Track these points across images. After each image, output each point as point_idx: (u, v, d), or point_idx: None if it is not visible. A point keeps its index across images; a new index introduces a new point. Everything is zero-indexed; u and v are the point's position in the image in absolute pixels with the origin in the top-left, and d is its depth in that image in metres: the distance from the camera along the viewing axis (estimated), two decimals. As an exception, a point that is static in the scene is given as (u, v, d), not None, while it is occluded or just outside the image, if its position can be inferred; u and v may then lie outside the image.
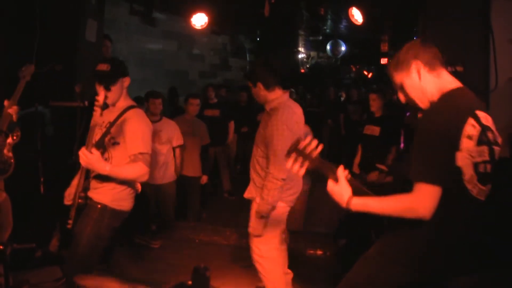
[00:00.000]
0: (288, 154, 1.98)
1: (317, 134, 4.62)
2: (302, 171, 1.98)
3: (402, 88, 2.03)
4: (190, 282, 3.06)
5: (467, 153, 1.81)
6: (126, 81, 2.83)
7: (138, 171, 2.70)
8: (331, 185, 1.97)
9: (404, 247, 1.95)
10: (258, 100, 3.18)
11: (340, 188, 1.95)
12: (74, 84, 3.78)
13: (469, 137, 1.81)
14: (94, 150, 2.53)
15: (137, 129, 2.73)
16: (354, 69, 14.12)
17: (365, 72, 13.87)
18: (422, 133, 1.85)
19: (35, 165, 3.71)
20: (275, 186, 2.91)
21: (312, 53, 13.53)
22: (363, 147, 4.94)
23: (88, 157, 2.52)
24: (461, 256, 1.95)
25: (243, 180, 3.51)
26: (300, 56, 13.49)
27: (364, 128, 4.95)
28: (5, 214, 3.29)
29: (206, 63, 9.48)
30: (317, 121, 8.02)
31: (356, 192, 1.93)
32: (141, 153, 2.69)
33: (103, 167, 2.58)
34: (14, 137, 3.24)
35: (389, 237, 2.03)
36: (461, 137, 1.80)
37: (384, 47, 10.33)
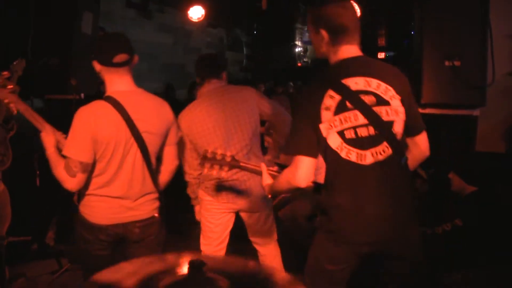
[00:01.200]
0: (201, 163, 2.29)
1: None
2: (224, 174, 2.36)
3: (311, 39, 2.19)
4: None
5: (327, 123, 1.93)
6: (96, 66, 2.38)
7: (58, 172, 2.26)
8: (260, 179, 2.28)
9: (320, 221, 2.12)
10: None
11: (263, 180, 2.26)
12: (69, 76, 3.75)
13: (327, 108, 1.93)
14: (48, 127, 2.40)
15: (72, 126, 2.25)
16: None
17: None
18: (294, 111, 2.13)
19: (30, 158, 3.70)
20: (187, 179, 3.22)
21: (309, 47, 13.49)
22: None
23: (43, 132, 2.39)
24: (370, 226, 1.97)
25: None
26: (297, 49, 13.47)
27: None
28: (3, 205, 3.28)
29: (202, 57, 9.42)
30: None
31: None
32: (65, 156, 2.24)
33: (46, 147, 2.35)
34: (11, 131, 3.24)
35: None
36: (320, 110, 1.93)
37: (381, 41, 10.33)
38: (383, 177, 1.97)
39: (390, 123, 1.96)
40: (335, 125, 1.92)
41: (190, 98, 6.70)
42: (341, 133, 1.93)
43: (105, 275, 1.20)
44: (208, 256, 1.35)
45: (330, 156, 1.95)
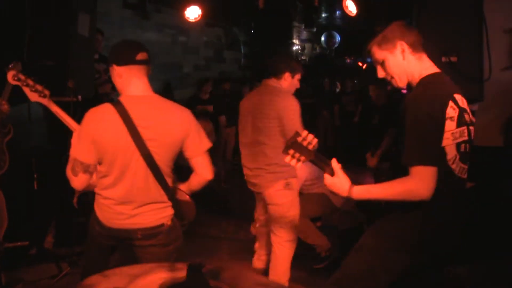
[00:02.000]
0: (287, 148, 1.96)
1: (311, 125, 4.60)
2: (299, 165, 1.99)
3: (383, 64, 2.11)
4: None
5: (450, 134, 1.91)
6: (115, 69, 2.30)
7: (67, 171, 2.33)
8: (328, 178, 2.01)
9: (399, 232, 1.99)
10: None
11: (339, 179, 1.99)
12: (67, 79, 3.74)
13: (451, 119, 1.91)
14: (78, 129, 2.45)
15: (80, 127, 2.35)
16: (348, 61, 14.08)
17: (360, 64, 13.84)
18: (412, 119, 1.91)
19: (28, 161, 3.69)
20: None
21: (307, 45, 13.47)
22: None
23: (74, 133, 2.47)
24: (454, 236, 2.04)
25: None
26: (295, 48, 13.44)
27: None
28: (-1, 210, 3.27)
29: (200, 56, 9.42)
30: (311, 112, 8.04)
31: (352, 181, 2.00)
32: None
33: (72, 145, 2.39)
34: (8, 135, 3.23)
35: (382, 224, 2.07)
36: (445, 119, 1.90)
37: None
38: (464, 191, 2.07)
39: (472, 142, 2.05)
40: (455, 137, 1.93)
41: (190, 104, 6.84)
42: (458, 146, 1.95)
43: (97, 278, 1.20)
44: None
45: (442, 166, 1.92)
